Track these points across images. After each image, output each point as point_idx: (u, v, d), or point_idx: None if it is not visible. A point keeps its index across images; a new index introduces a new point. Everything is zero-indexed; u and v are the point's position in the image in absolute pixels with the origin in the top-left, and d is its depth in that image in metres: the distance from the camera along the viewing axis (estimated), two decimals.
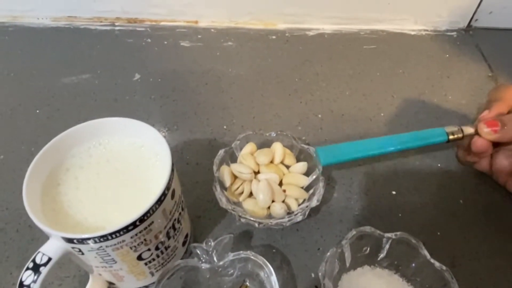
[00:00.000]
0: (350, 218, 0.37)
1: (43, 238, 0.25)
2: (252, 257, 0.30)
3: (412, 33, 0.60)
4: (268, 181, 0.35)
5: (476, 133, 0.36)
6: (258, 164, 0.37)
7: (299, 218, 0.34)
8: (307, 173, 0.38)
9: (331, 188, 0.40)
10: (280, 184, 0.37)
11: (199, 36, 0.59)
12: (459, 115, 0.48)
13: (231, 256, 0.30)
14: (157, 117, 0.47)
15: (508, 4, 0.58)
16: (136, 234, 0.25)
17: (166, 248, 0.29)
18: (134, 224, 0.24)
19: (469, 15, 0.60)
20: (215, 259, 0.30)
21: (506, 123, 0.34)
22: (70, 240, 0.23)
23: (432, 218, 0.38)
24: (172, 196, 0.27)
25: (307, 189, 0.37)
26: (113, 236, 0.23)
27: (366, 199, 0.39)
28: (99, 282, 0.29)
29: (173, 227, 0.28)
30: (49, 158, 0.28)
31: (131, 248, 0.25)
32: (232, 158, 0.39)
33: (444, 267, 0.29)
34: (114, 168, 0.29)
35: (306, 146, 0.39)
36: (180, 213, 0.29)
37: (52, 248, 0.24)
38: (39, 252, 0.24)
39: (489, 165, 0.37)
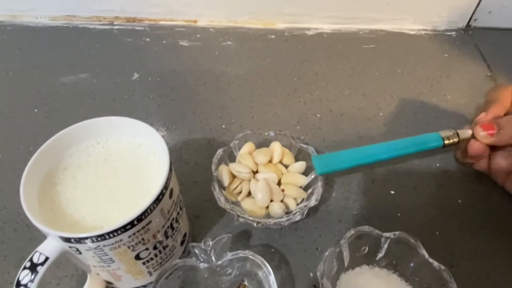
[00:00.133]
0: (349, 217, 0.37)
1: (41, 237, 0.25)
2: (250, 256, 0.30)
3: (411, 32, 0.60)
4: (266, 181, 0.35)
5: (473, 136, 0.36)
6: (256, 164, 0.37)
7: (298, 217, 0.34)
8: (305, 173, 0.38)
9: (330, 187, 0.40)
10: (279, 183, 0.37)
11: (198, 36, 0.59)
12: (458, 114, 0.48)
13: (229, 255, 0.30)
14: (156, 117, 0.47)
15: (507, 4, 0.58)
16: (133, 234, 0.25)
17: (164, 248, 0.29)
18: (131, 224, 0.24)
19: (468, 15, 0.60)
20: (213, 258, 0.30)
21: (503, 126, 0.34)
22: (67, 240, 0.23)
23: (430, 217, 0.38)
24: (170, 196, 0.27)
25: (305, 188, 0.37)
26: (111, 235, 0.23)
27: (365, 199, 0.39)
28: (97, 281, 0.29)
29: (171, 226, 0.28)
30: (47, 157, 0.28)
31: (129, 247, 0.25)
32: (230, 157, 0.39)
33: (442, 267, 0.30)
34: (112, 167, 0.29)
35: (304, 146, 0.39)
36: (178, 213, 0.29)
37: (49, 248, 0.24)
38: (36, 251, 0.24)
39: (488, 165, 0.37)
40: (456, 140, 0.37)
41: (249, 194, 0.36)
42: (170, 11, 0.60)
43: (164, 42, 0.57)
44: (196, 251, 0.29)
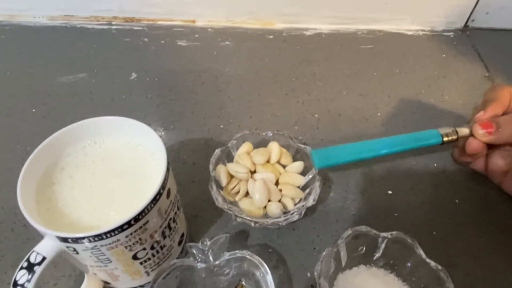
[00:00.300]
0: (346, 217, 0.38)
1: (39, 237, 0.25)
2: (248, 256, 0.30)
3: (409, 33, 0.60)
4: (264, 181, 0.35)
5: (471, 134, 0.36)
6: (254, 164, 0.37)
7: (295, 217, 0.34)
8: (303, 173, 0.38)
9: (327, 187, 0.40)
10: (277, 183, 0.37)
11: (196, 36, 0.59)
12: (455, 115, 0.48)
13: (227, 255, 0.30)
14: (154, 116, 0.47)
15: (505, 5, 0.58)
16: (131, 233, 0.25)
17: (161, 248, 0.29)
18: (129, 223, 0.24)
19: (466, 15, 0.60)
20: (211, 258, 0.30)
21: (501, 125, 0.34)
22: (64, 240, 0.23)
23: (428, 217, 0.38)
24: (168, 196, 0.27)
25: (303, 188, 0.37)
26: (108, 235, 0.23)
27: (362, 199, 0.39)
28: (95, 281, 0.29)
29: (169, 226, 0.28)
30: (44, 157, 0.28)
31: (126, 247, 0.25)
32: (228, 157, 0.39)
33: (439, 267, 0.30)
34: (110, 167, 0.29)
35: (302, 146, 0.39)
36: (175, 213, 0.29)
37: (46, 248, 0.24)
38: (33, 251, 0.24)
39: (485, 165, 0.37)
40: (454, 137, 0.37)
41: (247, 194, 0.36)
42: (169, 11, 0.60)
43: (163, 42, 0.57)
44: (194, 251, 0.29)
